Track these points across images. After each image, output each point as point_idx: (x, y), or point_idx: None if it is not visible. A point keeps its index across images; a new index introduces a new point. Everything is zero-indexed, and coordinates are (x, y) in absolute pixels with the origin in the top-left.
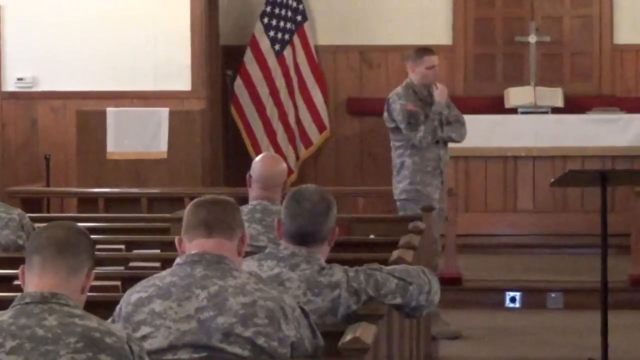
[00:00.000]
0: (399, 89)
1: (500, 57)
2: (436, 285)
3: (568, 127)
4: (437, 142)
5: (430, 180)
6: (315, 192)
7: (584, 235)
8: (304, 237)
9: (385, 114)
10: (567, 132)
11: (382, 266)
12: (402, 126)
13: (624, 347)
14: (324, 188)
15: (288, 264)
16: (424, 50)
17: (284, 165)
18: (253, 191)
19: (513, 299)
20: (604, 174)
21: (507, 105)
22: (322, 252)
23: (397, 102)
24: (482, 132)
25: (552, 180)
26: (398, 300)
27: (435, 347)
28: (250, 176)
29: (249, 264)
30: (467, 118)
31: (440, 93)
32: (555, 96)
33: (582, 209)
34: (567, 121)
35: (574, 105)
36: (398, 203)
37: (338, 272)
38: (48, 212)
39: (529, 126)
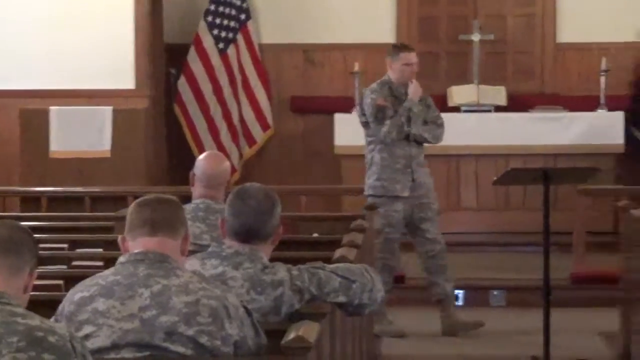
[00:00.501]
0: (374, 84)
1: (443, 55)
2: (379, 284)
3: (511, 126)
4: (408, 139)
5: (398, 178)
6: (260, 190)
7: (526, 234)
8: (248, 234)
9: (358, 108)
10: (510, 131)
11: (325, 265)
12: (369, 120)
13: (566, 345)
14: (268, 187)
15: (231, 263)
16: (402, 47)
17: (227, 164)
18: (196, 190)
19: (456, 297)
20: (547, 172)
21: (450, 104)
22: (266, 251)
23: (369, 97)
24: None
25: (495, 178)
26: (341, 299)
27: (379, 345)
28: (194, 175)
29: (192, 263)
30: None
31: (413, 89)
32: (498, 94)
33: (525, 207)
34: (510, 119)
35: (517, 103)
36: (368, 199)
37: (281, 271)
38: None
39: (472, 124)
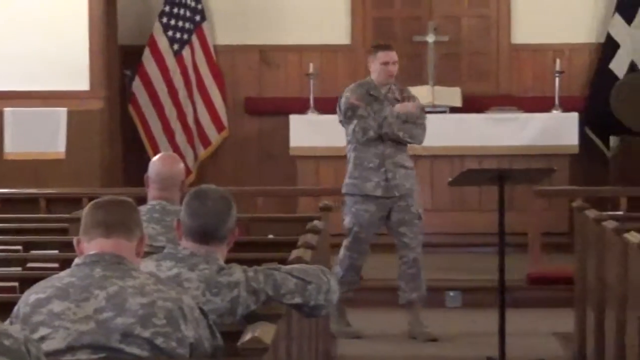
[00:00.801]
0: (353, 84)
1: (398, 56)
2: (335, 285)
3: (466, 127)
4: (381, 138)
5: (371, 177)
6: (217, 192)
7: (482, 234)
8: (205, 235)
9: (337, 107)
10: (466, 132)
11: (281, 266)
12: (340, 118)
13: (521, 345)
14: (223, 189)
15: (187, 264)
16: (379, 46)
17: (181, 165)
18: (151, 191)
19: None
20: (502, 173)
21: None
22: (221, 252)
23: (344, 96)
24: None
25: (451, 179)
26: (297, 300)
27: (334, 346)
28: (148, 176)
29: (147, 265)
30: None
31: (402, 107)
32: (453, 96)
33: (480, 208)
34: (465, 120)
35: (472, 104)
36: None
37: (237, 272)
38: None
39: (427, 126)
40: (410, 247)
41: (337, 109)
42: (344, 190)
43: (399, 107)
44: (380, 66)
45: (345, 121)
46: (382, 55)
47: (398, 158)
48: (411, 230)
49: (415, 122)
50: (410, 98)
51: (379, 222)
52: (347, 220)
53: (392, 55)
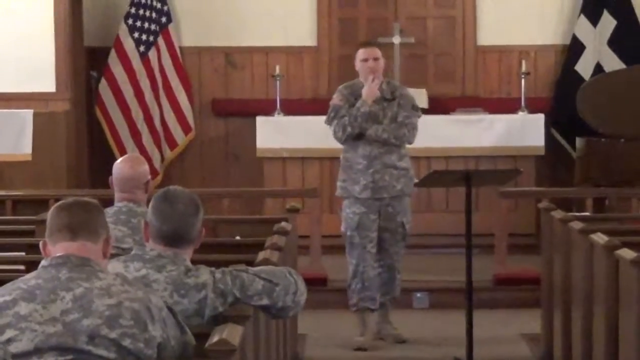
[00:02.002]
0: (341, 85)
1: None
2: (302, 287)
3: (432, 128)
4: (369, 139)
5: (358, 179)
6: (185, 194)
7: (448, 235)
8: (175, 238)
9: None
10: (432, 133)
11: (249, 267)
12: (325, 119)
13: (488, 346)
14: (188, 190)
15: (154, 266)
16: (361, 44)
17: (145, 166)
18: (116, 193)
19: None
20: (469, 175)
21: None
22: (189, 254)
23: (333, 96)
24: None
25: (417, 180)
26: (264, 302)
27: (302, 346)
28: (112, 178)
29: (115, 266)
30: None
31: (366, 90)
32: (419, 97)
33: (447, 210)
34: (431, 122)
35: (438, 106)
36: None
37: (204, 273)
38: None
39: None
40: (389, 253)
41: None
42: (336, 194)
43: (363, 94)
44: (360, 63)
45: (327, 121)
46: (361, 53)
47: (387, 158)
48: (393, 238)
49: (403, 122)
50: (402, 96)
51: (371, 223)
52: (342, 225)
53: (373, 52)
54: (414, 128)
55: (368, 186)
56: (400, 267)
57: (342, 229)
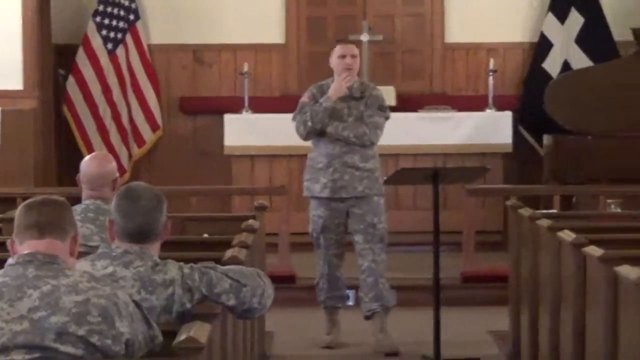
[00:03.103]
0: (314, 84)
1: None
2: (270, 289)
3: (400, 126)
4: (331, 137)
5: (319, 177)
6: (146, 189)
7: (416, 233)
8: (140, 235)
9: None
10: (400, 131)
11: (218, 266)
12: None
13: (456, 344)
14: (150, 185)
15: (121, 262)
16: (338, 41)
17: (113, 164)
18: (84, 191)
19: (347, 297)
20: (436, 172)
21: None
22: (156, 248)
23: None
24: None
25: (385, 178)
26: (231, 301)
27: (270, 344)
28: (80, 176)
29: (82, 265)
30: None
31: (334, 86)
32: (387, 95)
33: (415, 207)
34: (399, 119)
35: (406, 103)
36: None
37: (172, 269)
38: None
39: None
40: (363, 256)
41: None
42: (303, 194)
43: (330, 90)
44: (337, 60)
45: (293, 118)
46: (339, 49)
47: (348, 158)
48: (365, 240)
49: (367, 121)
50: (371, 96)
51: (336, 227)
52: (309, 226)
53: (350, 49)
54: (376, 127)
55: (327, 185)
56: (382, 271)
57: (309, 230)
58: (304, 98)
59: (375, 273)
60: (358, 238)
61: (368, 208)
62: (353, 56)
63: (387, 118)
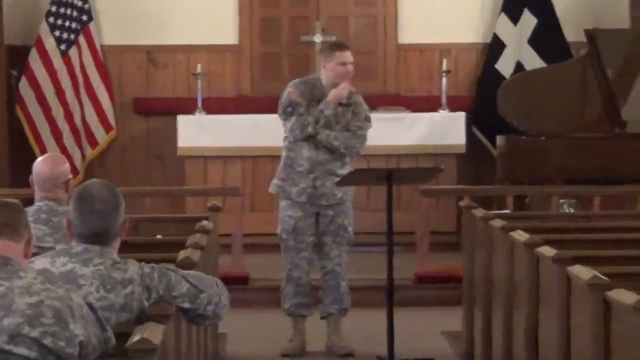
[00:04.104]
0: (297, 79)
1: (285, 56)
2: (225, 300)
3: None
4: (317, 142)
5: (298, 181)
6: (102, 189)
7: (370, 234)
8: (97, 237)
9: (279, 102)
10: None
11: (179, 269)
12: (278, 112)
13: (410, 344)
14: (106, 182)
15: (81, 259)
16: (337, 46)
17: (65, 165)
18: (36, 192)
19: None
20: (390, 173)
21: None
22: (115, 246)
23: (287, 90)
24: (268, 131)
25: (339, 179)
26: (186, 305)
27: (223, 345)
28: (32, 178)
29: (42, 262)
30: (256, 118)
31: (334, 92)
32: None
33: (368, 208)
34: None
35: None
36: None
37: (132, 268)
38: None
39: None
40: (330, 258)
41: (279, 104)
42: (270, 189)
43: (330, 96)
44: (336, 66)
45: (282, 116)
46: (339, 56)
47: (331, 166)
48: (334, 241)
49: (355, 132)
50: (357, 104)
51: (307, 228)
52: (278, 227)
53: (350, 56)
54: (364, 140)
55: (306, 191)
56: (344, 274)
57: (278, 231)
58: (294, 96)
59: (339, 276)
60: (327, 239)
61: (340, 211)
62: (351, 63)
63: (370, 127)
